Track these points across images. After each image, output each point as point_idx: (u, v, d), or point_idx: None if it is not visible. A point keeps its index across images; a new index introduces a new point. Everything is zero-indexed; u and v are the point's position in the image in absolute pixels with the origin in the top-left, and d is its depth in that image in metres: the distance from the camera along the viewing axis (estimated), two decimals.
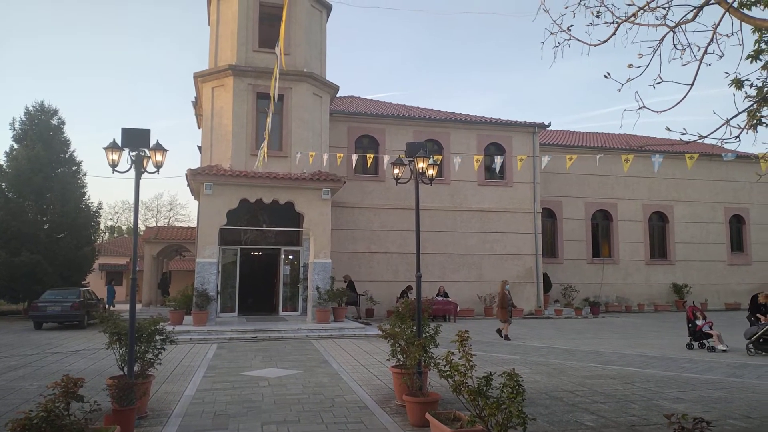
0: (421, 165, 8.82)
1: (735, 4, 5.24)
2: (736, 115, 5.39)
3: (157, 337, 7.58)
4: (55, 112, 26.84)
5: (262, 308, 21.95)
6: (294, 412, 7.35)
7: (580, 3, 5.71)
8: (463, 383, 5.35)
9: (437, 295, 21.49)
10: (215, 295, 17.56)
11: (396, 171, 9.41)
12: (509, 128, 25.08)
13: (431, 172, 9.05)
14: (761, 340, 12.47)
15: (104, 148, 7.45)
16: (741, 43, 5.26)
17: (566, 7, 5.74)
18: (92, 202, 27.79)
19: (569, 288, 26.07)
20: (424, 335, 7.86)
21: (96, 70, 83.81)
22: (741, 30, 5.25)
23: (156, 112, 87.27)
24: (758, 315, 13.30)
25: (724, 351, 12.92)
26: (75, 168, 26.98)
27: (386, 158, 16.08)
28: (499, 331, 15.82)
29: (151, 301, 31.45)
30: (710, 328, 13.44)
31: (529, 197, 24.76)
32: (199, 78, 19.40)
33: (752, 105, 5.50)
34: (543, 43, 5.85)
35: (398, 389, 7.73)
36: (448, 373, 5.64)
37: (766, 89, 5.44)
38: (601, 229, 28.20)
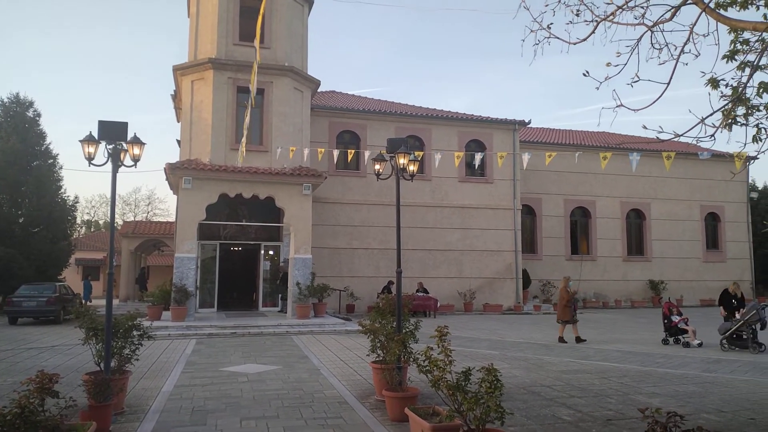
0: (402, 161, 8.80)
1: (711, 5, 5.33)
2: (711, 114, 5.49)
3: (135, 333, 7.49)
4: (31, 104, 26.32)
5: (241, 304, 21.83)
6: (273, 407, 7.32)
7: (560, 1, 5.76)
8: (442, 378, 5.37)
9: (416, 292, 21.52)
10: (194, 291, 17.40)
11: (377, 167, 9.36)
12: (490, 125, 25.23)
13: (412, 168, 9.02)
14: (734, 336, 12.74)
15: (80, 141, 7.32)
16: (717, 43, 5.36)
17: (546, 5, 5.80)
18: (68, 196, 27.42)
19: (548, 284, 26.37)
20: (404, 331, 7.87)
21: (74, 64, 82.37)
22: (717, 30, 5.34)
23: (136, 106, 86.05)
24: (733, 310, 13.59)
25: (698, 346, 13.17)
26: (51, 161, 26.46)
27: (367, 154, 16.08)
28: (561, 339, 14.32)
29: (129, 297, 31.01)
30: (686, 323, 13.69)
31: (509, 194, 24.93)
32: (179, 71, 19.16)
33: (727, 104, 5.60)
34: (523, 40, 5.90)
35: (378, 384, 7.75)
36: (427, 368, 5.65)
37: (740, 89, 5.54)
38: (580, 226, 28.53)
